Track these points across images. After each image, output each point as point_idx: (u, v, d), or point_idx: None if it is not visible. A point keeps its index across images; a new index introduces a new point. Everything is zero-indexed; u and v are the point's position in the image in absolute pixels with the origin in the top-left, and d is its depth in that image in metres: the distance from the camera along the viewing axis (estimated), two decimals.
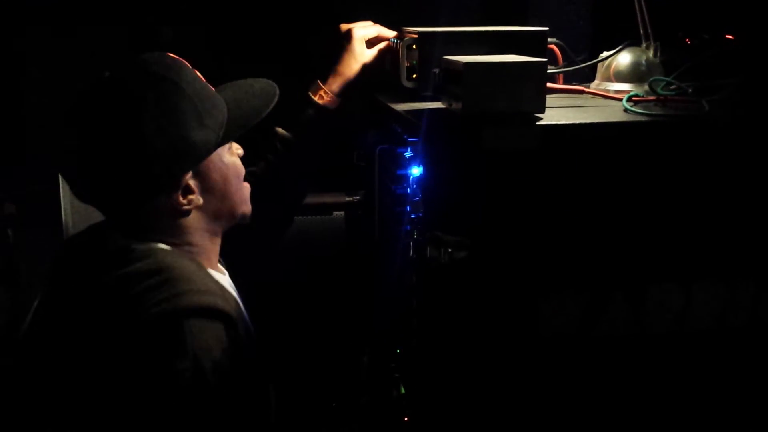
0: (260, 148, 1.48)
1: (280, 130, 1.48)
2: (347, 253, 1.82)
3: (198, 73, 1.20)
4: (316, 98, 1.45)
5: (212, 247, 1.24)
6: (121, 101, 1.10)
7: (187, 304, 1.05)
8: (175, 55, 1.19)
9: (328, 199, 1.88)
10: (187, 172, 1.14)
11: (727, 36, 1.36)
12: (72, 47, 1.97)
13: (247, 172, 1.32)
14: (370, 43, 1.44)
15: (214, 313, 1.08)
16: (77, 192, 1.23)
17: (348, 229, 1.85)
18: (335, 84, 1.45)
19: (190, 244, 1.19)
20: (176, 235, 1.17)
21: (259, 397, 1.18)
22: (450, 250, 1.05)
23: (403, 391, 1.33)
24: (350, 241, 1.82)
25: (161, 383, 1.03)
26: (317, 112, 1.46)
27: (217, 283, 1.17)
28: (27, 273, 2.00)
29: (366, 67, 1.44)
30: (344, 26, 1.46)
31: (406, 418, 1.28)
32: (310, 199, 1.89)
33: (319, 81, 1.46)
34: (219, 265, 1.29)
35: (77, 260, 1.16)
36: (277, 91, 1.28)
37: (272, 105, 1.27)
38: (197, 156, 1.15)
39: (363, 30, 1.44)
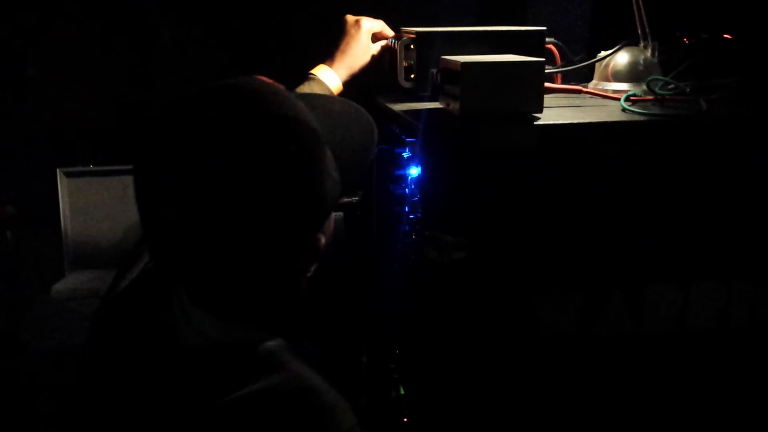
0: None
1: None
2: (346, 254, 1.81)
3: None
4: (325, 81, 1.36)
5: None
6: (255, 156, 0.82)
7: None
8: (268, 79, 0.95)
9: None
10: (318, 233, 0.91)
11: (725, 35, 1.36)
12: (73, 47, 1.97)
13: None
14: (374, 38, 1.43)
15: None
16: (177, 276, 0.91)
17: (347, 230, 1.84)
18: (342, 73, 1.39)
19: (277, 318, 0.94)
20: (273, 310, 0.93)
21: None
22: (449, 250, 1.05)
23: (402, 391, 1.33)
24: (349, 241, 1.82)
25: None
26: (326, 91, 1.36)
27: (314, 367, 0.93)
28: (26, 275, 2.01)
29: (371, 61, 1.40)
30: (351, 17, 1.42)
31: (405, 419, 1.28)
32: None
33: (326, 65, 1.38)
34: None
35: (137, 342, 0.90)
36: (376, 136, 1.02)
37: (376, 137, 1.02)
38: (328, 209, 0.92)
39: (371, 22, 1.41)
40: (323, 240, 0.94)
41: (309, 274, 0.95)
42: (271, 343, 0.90)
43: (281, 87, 0.93)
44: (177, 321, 0.90)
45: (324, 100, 1.04)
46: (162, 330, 0.90)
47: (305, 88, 1.35)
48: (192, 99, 0.85)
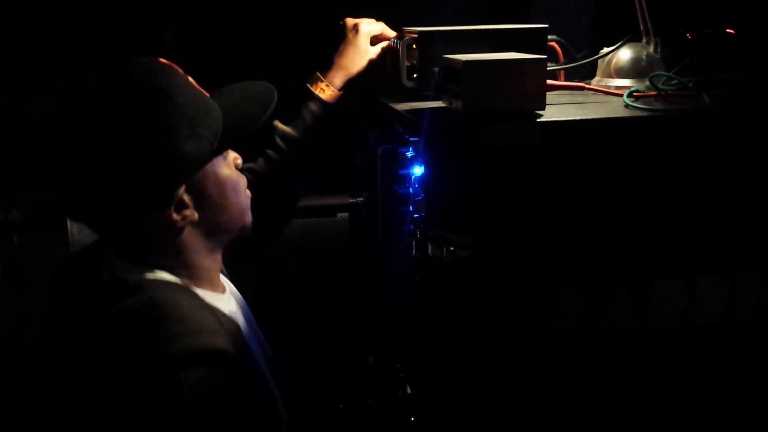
0: (258, 142, 1.44)
1: (279, 124, 1.43)
2: (351, 255, 1.82)
3: (191, 79, 1.15)
4: (317, 92, 1.41)
5: (212, 264, 1.19)
6: (107, 113, 1.06)
7: (180, 349, 0.99)
8: (165, 60, 1.14)
9: (332, 201, 1.89)
10: (179, 185, 1.09)
11: (727, 30, 1.35)
12: (75, 52, 1.98)
13: (244, 169, 1.27)
14: (374, 40, 1.44)
15: (209, 356, 1.02)
16: (69, 211, 1.21)
17: (352, 231, 1.85)
18: (338, 78, 1.42)
19: (187, 265, 1.13)
20: (172, 256, 1.12)
21: (267, 421, 1.15)
22: (453, 248, 1.05)
23: (409, 390, 1.33)
24: (354, 242, 1.82)
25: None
26: (319, 106, 1.42)
27: (212, 314, 1.11)
28: (32, 279, 2.01)
29: (369, 65, 1.42)
30: (350, 21, 1.43)
31: (412, 418, 1.28)
32: (314, 202, 1.90)
33: (319, 74, 1.42)
34: (222, 281, 1.25)
35: (73, 286, 1.12)
36: (276, 95, 1.22)
37: (270, 110, 1.21)
38: (190, 168, 1.09)
39: (369, 26, 1.42)
40: (201, 194, 1.12)
41: (181, 223, 1.11)
42: (155, 277, 1.10)
43: (176, 68, 1.13)
44: (102, 274, 1.08)
45: (250, 84, 1.25)
46: (93, 278, 1.09)
47: (301, 106, 1.43)
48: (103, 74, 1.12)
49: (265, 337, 1.31)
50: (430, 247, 1.07)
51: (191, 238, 1.13)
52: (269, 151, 1.43)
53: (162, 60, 1.14)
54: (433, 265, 1.07)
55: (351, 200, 1.82)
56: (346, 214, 1.88)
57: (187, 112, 1.08)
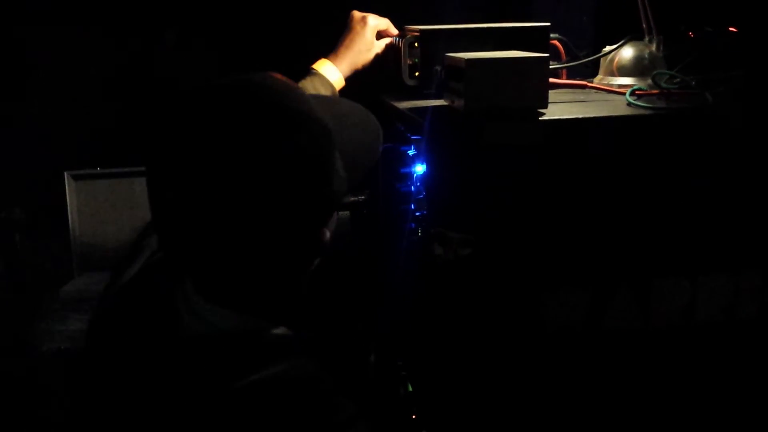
0: None
1: None
2: (352, 253, 1.81)
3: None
4: (326, 76, 1.36)
5: None
6: (266, 149, 0.84)
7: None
8: (284, 77, 0.94)
9: None
10: (324, 227, 0.93)
11: (730, 29, 1.35)
12: (76, 52, 1.98)
13: None
14: (378, 36, 1.43)
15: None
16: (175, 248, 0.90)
17: (353, 229, 1.84)
18: (344, 68, 1.39)
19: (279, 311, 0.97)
20: (274, 302, 0.94)
21: None
22: (455, 246, 1.05)
23: (410, 389, 1.33)
24: (356, 240, 1.82)
25: None
26: (328, 88, 1.36)
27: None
28: (33, 278, 2.01)
29: (374, 59, 1.41)
30: (357, 13, 1.42)
31: (413, 416, 1.28)
32: None
33: (326, 59, 1.38)
34: None
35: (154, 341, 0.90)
36: (381, 138, 1.05)
37: (382, 139, 1.04)
38: (334, 208, 0.95)
39: (376, 20, 1.41)
40: (327, 235, 0.95)
41: (311, 268, 0.97)
42: (275, 332, 0.92)
43: (295, 84, 0.94)
44: (180, 312, 0.91)
45: (333, 101, 1.06)
46: (165, 321, 0.91)
47: (306, 83, 1.35)
48: (206, 91, 0.86)
49: None
50: (432, 245, 1.07)
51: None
52: None
53: (280, 77, 0.94)
54: (435, 263, 1.07)
55: (352, 198, 1.81)
56: (347, 213, 1.87)
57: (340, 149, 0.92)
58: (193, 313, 0.90)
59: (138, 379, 0.90)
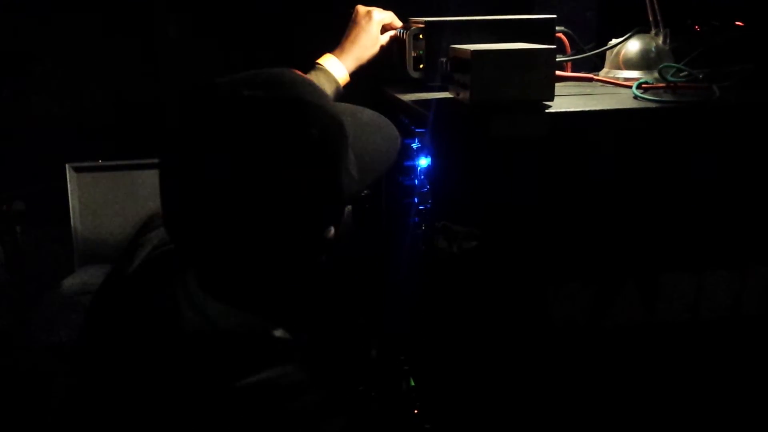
0: None
1: None
2: (355, 247, 1.81)
3: None
4: (331, 71, 1.35)
5: None
6: (277, 140, 0.84)
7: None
8: (302, 74, 0.95)
9: None
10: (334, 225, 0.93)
11: (736, 22, 1.34)
12: (80, 43, 1.97)
13: None
14: (383, 29, 1.42)
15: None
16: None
17: (356, 223, 1.84)
18: (349, 63, 1.38)
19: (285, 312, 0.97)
20: (279, 301, 0.95)
21: None
22: (459, 240, 1.05)
23: (412, 383, 1.32)
24: (358, 234, 1.81)
25: None
26: (333, 85, 1.35)
27: None
28: (36, 270, 2.01)
29: (378, 53, 1.40)
30: (362, 8, 1.41)
31: (416, 411, 1.27)
32: None
33: (331, 54, 1.38)
34: None
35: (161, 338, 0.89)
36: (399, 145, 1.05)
37: (399, 147, 1.04)
38: (342, 205, 0.95)
39: (381, 14, 1.40)
40: (332, 232, 0.94)
41: (317, 266, 0.96)
42: (274, 335, 0.91)
43: (310, 80, 0.94)
44: (180, 306, 0.90)
45: (356, 108, 1.05)
46: (165, 316, 0.90)
47: (311, 78, 1.33)
48: (220, 86, 0.86)
49: None
50: (436, 239, 1.06)
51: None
52: None
53: (300, 73, 0.95)
54: (440, 257, 1.06)
55: None
56: (350, 207, 1.87)
57: (352, 148, 0.93)
58: (194, 308, 0.90)
59: (134, 373, 0.89)
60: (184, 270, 0.93)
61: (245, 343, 0.89)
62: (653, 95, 1.12)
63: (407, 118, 1.24)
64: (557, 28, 1.30)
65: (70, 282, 1.96)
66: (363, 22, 1.39)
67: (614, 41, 1.30)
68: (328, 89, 1.36)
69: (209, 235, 0.85)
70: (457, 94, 1.08)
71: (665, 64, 1.21)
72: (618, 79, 1.26)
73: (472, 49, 1.01)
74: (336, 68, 1.37)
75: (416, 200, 1.19)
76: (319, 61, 1.38)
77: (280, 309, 0.94)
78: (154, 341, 0.90)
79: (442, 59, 1.12)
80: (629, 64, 1.28)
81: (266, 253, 0.87)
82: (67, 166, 2.02)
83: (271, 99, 0.85)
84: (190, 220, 0.85)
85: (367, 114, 1.05)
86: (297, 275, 0.94)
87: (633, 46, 1.28)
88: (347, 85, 1.41)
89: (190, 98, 0.86)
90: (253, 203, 0.83)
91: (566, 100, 1.11)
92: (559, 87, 1.08)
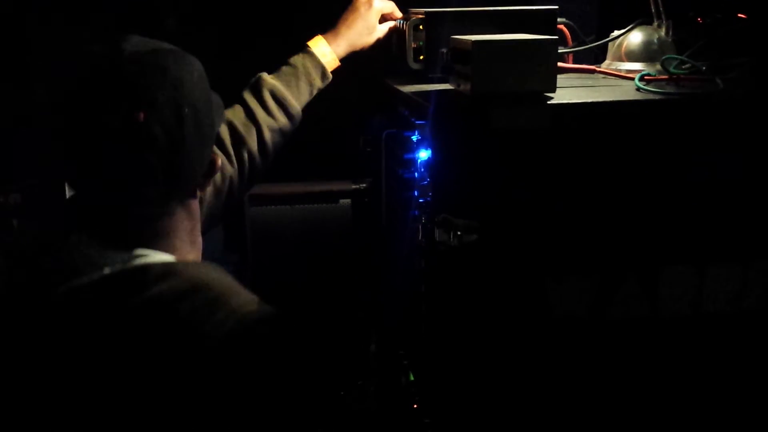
0: (243, 91, 1.34)
1: (268, 78, 1.34)
2: (354, 241, 1.80)
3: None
4: (318, 55, 1.36)
5: (196, 254, 1.06)
6: (162, 74, 0.95)
7: (249, 315, 0.91)
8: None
9: (335, 186, 1.87)
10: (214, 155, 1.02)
11: (739, 15, 1.33)
12: (80, 38, 1.96)
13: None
14: (382, 19, 1.41)
15: (277, 317, 0.94)
16: (74, 185, 1.03)
17: (355, 217, 1.83)
18: (341, 48, 1.37)
19: (196, 244, 1.04)
20: (188, 238, 1.01)
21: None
22: (459, 233, 1.04)
23: (411, 378, 1.31)
24: (357, 228, 1.81)
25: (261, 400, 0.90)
26: (318, 70, 1.35)
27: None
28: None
29: (374, 43, 1.39)
30: None
31: (415, 405, 1.26)
32: (316, 187, 1.88)
33: (323, 37, 1.37)
34: None
35: (52, 283, 0.93)
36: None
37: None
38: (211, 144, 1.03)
39: (382, 2, 1.39)
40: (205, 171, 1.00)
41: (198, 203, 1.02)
42: (167, 258, 0.97)
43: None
44: (76, 261, 0.93)
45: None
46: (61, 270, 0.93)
47: (297, 60, 1.35)
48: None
49: None
50: (436, 232, 1.05)
51: (199, 211, 1.05)
52: (252, 103, 1.33)
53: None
54: (439, 250, 1.05)
55: (354, 186, 1.80)
56: (348, 200, 1.86)
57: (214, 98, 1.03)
58: (111, 260, 0.93)
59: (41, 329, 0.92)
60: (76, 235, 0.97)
61: (137, 270, 0.93)
62: (656, 87, 1.11)
63: (407, 110, 1.23)
64: (559, 19, 1.29)
65: None
66: (362, 8, 1.38)
67: (616, 33, 1.29)
68: (314, 73, 1.36)
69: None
70: (458, 86, 1.07)
71: (668, 55, 1.21)
72: (620, 71, 1.25)
73: (473, 39, 1.00)
74: (325, 53, 1.36)
75: (416, 193, 1.18)
76: (309, 43, 1.37)
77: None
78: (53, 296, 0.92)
79: (442, 50, 1.11)
80: (631, 56, 1.27)
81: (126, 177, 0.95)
82: None
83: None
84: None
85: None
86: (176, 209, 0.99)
87: (635, 37, 1.27)
88: (340, 70, 1.40)
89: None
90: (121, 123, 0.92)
91: (568, 91, 1.10)
92: (561, 79, 1.07)
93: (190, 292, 0.90)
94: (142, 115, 0.93)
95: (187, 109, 0.95)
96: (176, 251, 1.00)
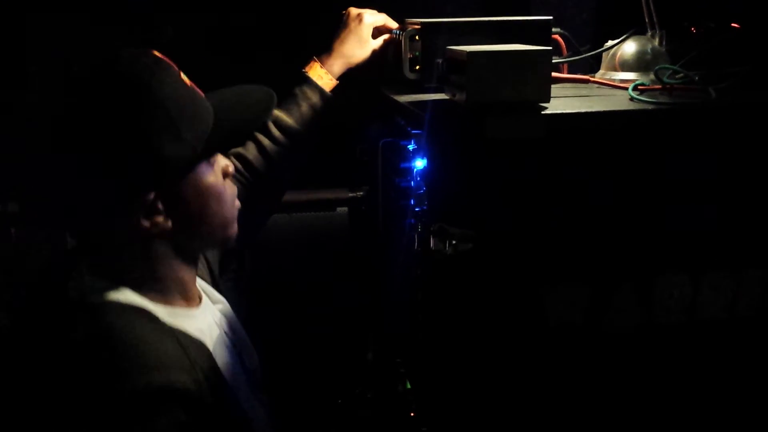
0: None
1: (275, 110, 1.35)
2: (351, 249, 1.80)
3: (184, 77, 1.06)
4: (314, 78, 1.38)
5: (186, 276, 1.10)
6: (82, 107, 0.99)
7: (136, 387, 0.92)
8: (160, 54, 1.06)
9: (331, 195, 1.88)
10: (149, 190, 1.00)
11: (732, 24, 1.34)
12: (76, 42, 1.96)
13: (232, 154, 1.26)
14: (376, 32, 1.42)
15: (165, 396, 0.94)
16: (38, 215, 1.14)
17: (352, 225, 1.83)
18: (336, 66, 1.38)
19: (157, 278, 1.05)
20: (141, 268, 1.04)
21: None
22: (455, 242, 1.04)
23: (408, 386, 1.32)
24: (354, 236, 1.81)
25: None
26: (317, 93, 1.38)
27: (175, 341, 1.02)
28: (29, 272, 2.00)
29: (369, 57, 1.40)
30: (354, 10, 1.41)
31: (412, 414, 1.27)
32: (313, 196, 1.88)
33: (317, 60, 1.39)
34: (198, 290, 1.17)
35: (42, 303, 1.05)
36: (275, 100, 1.16)
37: (268, 117, 1.17)
38: (164, 173, 1.01)
39: (373, 17, 1.40)
40: (177, 201, 1.03)
41: (150, 231, 1.03)
42: (120, 298, 1.01)
43: (169, 63, 1.05)
44: (70, 289, 1.01)
45: (248, 87, 1.18)
46: (60, 297, 1.01)
47: (297, 91, 1.38)
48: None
49: (258, 337, 1.28)
50: (432, 240, 1.06)
51: (162, 248, 1.05)
52: (261, 137, 1.36)
53: (156, 53, 1.06)
54: (435, 258, 1.06)
55: (351, 194, 1.80)
56: (345, 209, 1.86)
57: (171, 112, 0.99)
58: (79, 290, 1.01)
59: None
60: (81, 258, 1.05)
61: (77, 309, 1.00)
62: (649, 97, 1.12)
63: (403, 120, 1.23)
64: (553, 29, 1.30)
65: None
66: (353, 25, 1.39)
67: (610, 43, 1.30)
68: (314, 98, 1.38)
69: (58, 201, 1.04)
70: (454, 96, 1.08)
71: (661, 65, 1.21)
72: (614, 80, 1.26)
73: (468, 50, 1.01)
74: (321, 77, 1.39)
75: (412, 202, 1.19)
76: (306, 69, 1.39)
77: (144, 281, 1.05)
78: (44, 338, 1.01)
79: (438, 60, 1.12)
80: (625, 66, 1.28)
81: (100, 206, 1.01)
82: None
83: (84, 77, 1.03)
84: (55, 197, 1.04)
85: (254, 92, 1.17)
86: (133, 241, 1.04)
87: (629, 47, 1.28)
88: (337, 88, 1.41)
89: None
90: (81, 168, 0.99)
91: (562, 101, 1.11)
92: (555, 88, 1.07)
93: (98, 341, 0.96)
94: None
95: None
96: (141, 289, 1.05)
